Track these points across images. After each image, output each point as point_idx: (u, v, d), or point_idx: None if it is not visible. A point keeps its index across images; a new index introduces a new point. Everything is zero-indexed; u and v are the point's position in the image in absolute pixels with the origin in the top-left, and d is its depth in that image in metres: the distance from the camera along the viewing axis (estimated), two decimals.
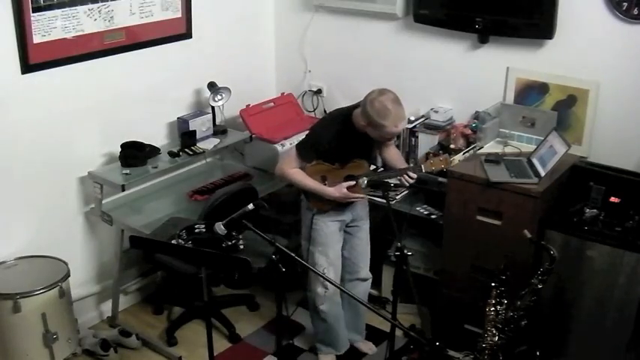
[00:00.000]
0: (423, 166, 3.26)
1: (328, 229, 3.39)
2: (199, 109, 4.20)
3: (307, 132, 3.41)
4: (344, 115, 3.28)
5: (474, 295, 3.33)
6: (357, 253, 3.54)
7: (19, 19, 3.26)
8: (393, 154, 3.53)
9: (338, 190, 3.25)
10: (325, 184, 3.29)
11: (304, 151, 3.29)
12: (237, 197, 3.55)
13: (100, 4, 3.56)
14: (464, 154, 3.59)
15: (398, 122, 3.10)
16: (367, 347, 3.76)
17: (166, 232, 3.15)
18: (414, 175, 3.27)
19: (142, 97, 3.93)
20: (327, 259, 3.41)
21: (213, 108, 4.14)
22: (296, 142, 3.41)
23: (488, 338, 3.12)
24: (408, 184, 3.29)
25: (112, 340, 3.73)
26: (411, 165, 3.73)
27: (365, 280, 3.60)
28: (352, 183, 3.26)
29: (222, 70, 4.23)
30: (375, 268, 3.70)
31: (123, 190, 3.63)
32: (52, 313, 3.27)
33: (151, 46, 3.87)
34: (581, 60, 3.49)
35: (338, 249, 3.47)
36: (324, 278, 3.21)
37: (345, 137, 3.24)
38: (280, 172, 3.37)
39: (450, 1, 3.82)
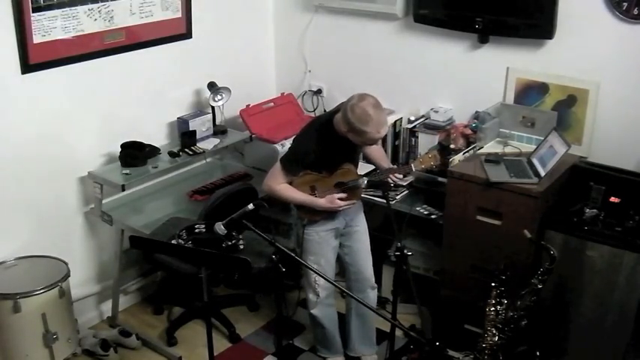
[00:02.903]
0: (412, 165, 3.25)
1: (321, 238, 3.33)
2: (199, 109, 4.19)
3: (290, 144, 3.33)
4: (325, 121, 3.21)
5: (474, 295, 3.34)
6: (360, 259, 3.45)
7: (19, 19, 3.26)
8: (375, 150, 3.47)
9: (330, 201, 3.19)
10: (315, 195, 3.23)
11: (290, 165, 3.20)
12: (237, 197, 3.56)
13: (100, 4, 3.56)
14: (464, 154, 3.60)
15: (380, 128, 3.01)
16: None
17: (166, 232, 3.16)
18: (400, 175, 3.25)
19: (142, 97, 3.93)
20: (319, 267, 3.31)
21: (213, 108, 4.14)
22: (280, 157, 3.30)
23: (489, 338, 3.12)
24: (399, 184, 3.26)
25: (112, 340, 3.73)
26: (402, 165, 3.71)
27: (374, 288, 3.53)
28: (344, 195, 3.20)
29: (222, 70, 4.23)
30: (375, 268, 3.69)
31: (123, 190, 3.63)
32: (52, 313, 3.27)
33: (151, 46, 3.87)
34: (581, 60, 3.49)
35: (331, 257, 3.40)
36: (320, 279, 3.17)
37: (329, 144, 3.17)
38: (268, 189, 3.27)
39: (450, 1, 3.82)
